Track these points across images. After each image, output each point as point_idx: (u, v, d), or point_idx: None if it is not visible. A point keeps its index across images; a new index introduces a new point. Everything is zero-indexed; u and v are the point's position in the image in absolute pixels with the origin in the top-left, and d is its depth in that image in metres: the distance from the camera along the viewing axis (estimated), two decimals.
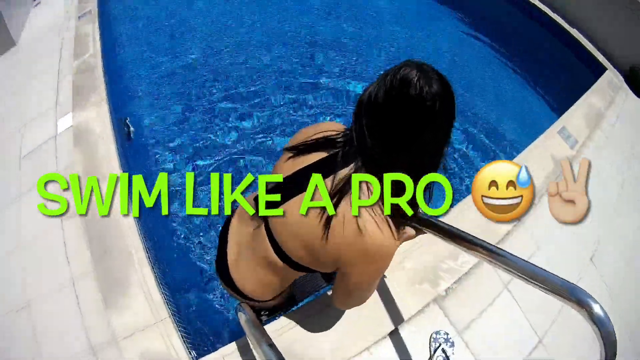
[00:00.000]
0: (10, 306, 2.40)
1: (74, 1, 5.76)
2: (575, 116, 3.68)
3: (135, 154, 3.35)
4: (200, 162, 3.43)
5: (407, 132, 1.00)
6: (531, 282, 1.37)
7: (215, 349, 2.05)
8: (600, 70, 4.43)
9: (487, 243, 1.53)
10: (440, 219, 1.68)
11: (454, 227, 1.63)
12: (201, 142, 3.58)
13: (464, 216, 2.46)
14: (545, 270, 1.36)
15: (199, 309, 2.65)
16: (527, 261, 1.42)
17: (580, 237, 2.87)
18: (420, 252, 2.45)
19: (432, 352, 2.14)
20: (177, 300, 2.41)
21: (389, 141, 1.02)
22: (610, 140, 3.66)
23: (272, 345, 1.38)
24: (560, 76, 4.73)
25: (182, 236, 2.94)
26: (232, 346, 2.03)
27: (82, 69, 3.93)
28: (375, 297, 2.22)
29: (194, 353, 2.09)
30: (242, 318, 1.60)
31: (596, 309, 1.19)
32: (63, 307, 2.31)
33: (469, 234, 1.59)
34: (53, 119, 3.47)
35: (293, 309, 2.06)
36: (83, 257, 2.43)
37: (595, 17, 4.69)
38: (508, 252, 1.48)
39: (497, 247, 1.52)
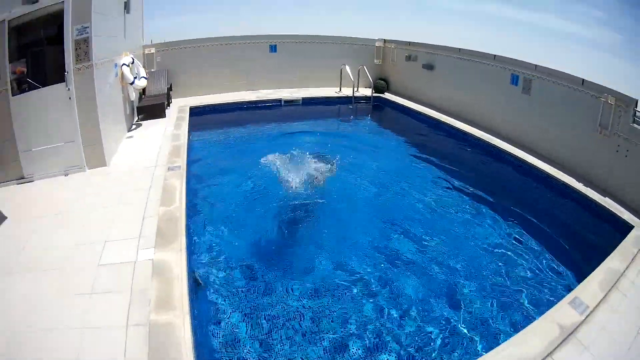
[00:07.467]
0: None
1: (164, 152, 7.14)
2: (590, 284, 3.95)
3: (202, 299, 3.99)
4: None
5: None
6: None
7: None
8: (624, 229, 5.05)
9: None
10: None
11: None
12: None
13: None
14: None
15: None
16: None
17: None
18: None
19: None
20: None
21: None
22: (628, 297, 3.85)
23: None
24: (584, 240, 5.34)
25: None
26: None
27: (167, 217, 4.86)
28: None
29: None
30: None
31: None
32: None
33: None
34: (135, 246, 4.27)
35: None
36: None
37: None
38: None
39: None
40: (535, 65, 7.74)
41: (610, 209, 5.62)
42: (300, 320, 3.92)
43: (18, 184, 5.83)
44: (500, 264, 4.88)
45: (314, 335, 3.73)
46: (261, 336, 3.68)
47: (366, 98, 12.11)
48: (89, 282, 3.74)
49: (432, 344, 3.71)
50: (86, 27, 6.20)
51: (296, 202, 6.05)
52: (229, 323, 3.82)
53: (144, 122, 9.16)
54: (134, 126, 8.90)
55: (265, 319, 3.88)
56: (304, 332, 3.77)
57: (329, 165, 7.28)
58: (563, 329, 3.47)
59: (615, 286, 4.00)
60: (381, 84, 12.62)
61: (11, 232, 4.59)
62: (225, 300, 4.10)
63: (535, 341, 3.36)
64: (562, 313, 3.66)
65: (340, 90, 12.47)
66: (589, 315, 3.64)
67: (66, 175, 6.12)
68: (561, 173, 6.74)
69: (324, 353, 3.54)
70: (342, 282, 4.45)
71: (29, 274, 3.88)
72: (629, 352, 3.35)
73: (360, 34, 13.14)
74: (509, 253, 5.09)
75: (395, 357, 3.54)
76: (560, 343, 3.36)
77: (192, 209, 5.47)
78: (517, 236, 5.48)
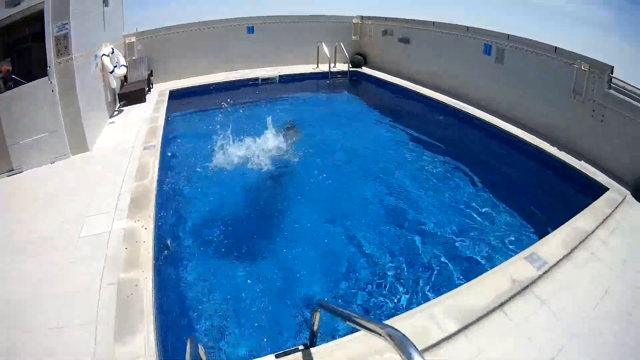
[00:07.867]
0: None
1: (141, 133, 7.73)
2: (551, 242, 4.05)
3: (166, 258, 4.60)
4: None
5: None
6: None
7: None
8: (598, 191, 5.19)
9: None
10: None
11: None
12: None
13: None
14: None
15: None
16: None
17: (540, 345, 3.08)
18: None
19: None
20: None
21: None
22: (597, 256, 3.92)
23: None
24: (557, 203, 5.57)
25: None
26: None
27: (140, 190, 5.46)
28: None
29: None
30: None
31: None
32: None
33: None
34: (111, 218, 4.88)
35: None
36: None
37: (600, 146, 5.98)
38: None
39: None
40: (508, 35, 8.01)
41: (586, 172, 5.80)
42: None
43: (8, 176, 6.37)
44: (467, 225, 5.25)
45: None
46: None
47: (342, 73, 12.48)
48: (70, 253, 4.32)
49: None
50: (65, 24, 6.68)
51: (266, 174, 6.72)
52: (191, 277, 4.48)
53: (125, 108, 9.65)
54: (115, 112, 9.41)
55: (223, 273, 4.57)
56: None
57: (298, 135, 7.94)
58: (516, 282, 3.56)
59: (582, 245, 4.09)
60: (358, 59, 12.98)
61: (1, 221, 5.12)
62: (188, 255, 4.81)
63: (484, 291, 3.48)
64: (516, 267, 3.77)
65: (318, 67, 12.86)
66: (547, 271, 3.72)
67: (52, 163, 6.67)
68: (536, 138, 7.01)
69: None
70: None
71: (19, 255, 4.40)
72: (595, 311, 3.36)
73: (338, 12, 13.46)
74: (476, 215, 5.47)
75: None
76: (513, 296, 3.46)
77: (163, 182, 6.06)
78: (488, 199, 5.84)
